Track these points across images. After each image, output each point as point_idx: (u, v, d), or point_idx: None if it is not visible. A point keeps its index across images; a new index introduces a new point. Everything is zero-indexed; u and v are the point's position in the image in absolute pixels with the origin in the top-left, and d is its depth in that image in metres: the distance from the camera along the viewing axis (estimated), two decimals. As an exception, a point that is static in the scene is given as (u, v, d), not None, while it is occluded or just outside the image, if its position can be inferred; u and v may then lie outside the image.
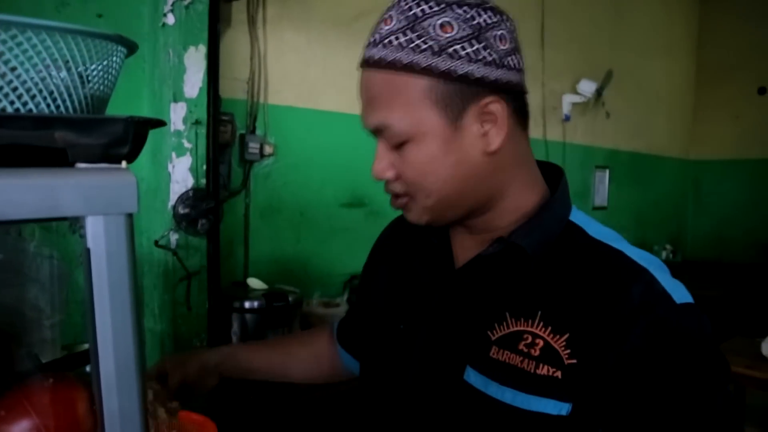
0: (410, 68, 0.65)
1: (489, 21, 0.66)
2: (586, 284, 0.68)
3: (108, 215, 0.38)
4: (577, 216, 0.77)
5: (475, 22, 0.65)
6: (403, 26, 0.65)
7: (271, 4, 2.78)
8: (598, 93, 4.41)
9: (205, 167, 2.26)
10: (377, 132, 0.70)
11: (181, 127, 2.18)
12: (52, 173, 0.37)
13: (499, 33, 0.67)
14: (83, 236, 0.39)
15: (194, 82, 2.21)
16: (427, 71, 0.65)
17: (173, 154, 2.19)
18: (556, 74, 4.37)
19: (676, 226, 5.97)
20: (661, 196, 5.72)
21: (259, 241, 2.84)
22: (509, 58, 0.69)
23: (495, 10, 0.68)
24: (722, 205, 5.85)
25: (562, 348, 0.65)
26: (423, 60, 0.64)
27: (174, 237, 2.22)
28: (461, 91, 0.66)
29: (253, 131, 2.76)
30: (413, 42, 0.64)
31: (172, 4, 2.16)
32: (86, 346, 1.34)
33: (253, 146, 2.72)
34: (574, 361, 0.65)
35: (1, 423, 0.36)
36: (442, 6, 0.65)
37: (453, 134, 0.67)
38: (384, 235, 1.00)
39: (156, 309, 2.12)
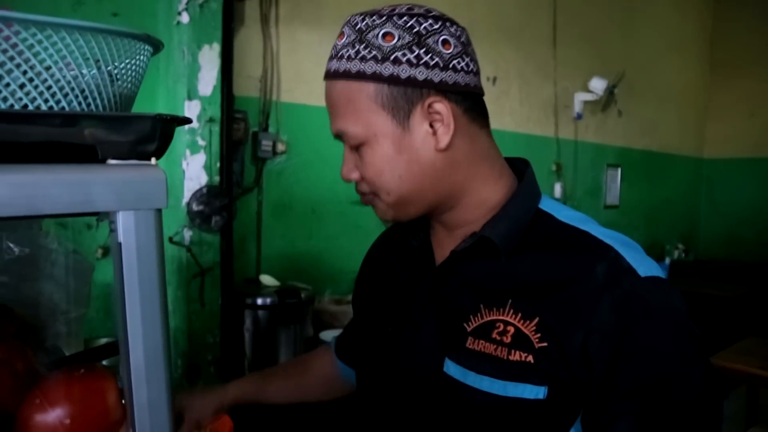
0: (359, 76, 0.71)
1: (430, 28, 0.71)
2: (552, 268, 0.71)
3: (138, 210, 0.39)
4: (547, 203, 0.79)
5: (415, 30, 0.70)
6: (353, 40, 0.72)
7: (283, 3, 2.79)
8: (610, 91, 4.38)
9: (218, 164, 2.28)
10: (339, 137, 0.76)
11: (195, 124, 2.19)
12: (85, 169, 0.38)
13: (441, 38, 0.71)
14: (114, 230, 0.40)
15: (208, 80, 2.23)
16: (374, 78, 0.70)
17: (187, 152, 2.21)
18: (568, 72, 4.35)
19: (688, 226, 5.93)
20: (673, 195, 5.68)
21: (272, 237, 2.85)
22: (455, 61, 0.72)
23: (437, 18, 0.72)
24: (735, 205, 5.80)
25: (532, 332, 0.68)
26: (369, 68, 0.70)
27: (188, 234, 2.24)
28: (406, 94, 0.71)
29: (265, 129, 2.77)
30: (360, 53, 0.71)
31: (187, 3, 2.18)
32: (103, 340, 1.36)
33: (266, 144, 2.74)
34: (545, 344, 0.67)
35: (38, 409, 0.37)
36: (384, 18, 0.71)
37: (403, 134, 0.72)
38: (373, 248, 1.03)
39: (170, 305, 2.14)
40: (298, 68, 2.89)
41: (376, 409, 0.86)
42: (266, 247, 2.84)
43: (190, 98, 2.20)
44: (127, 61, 0.46)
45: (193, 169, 2.23)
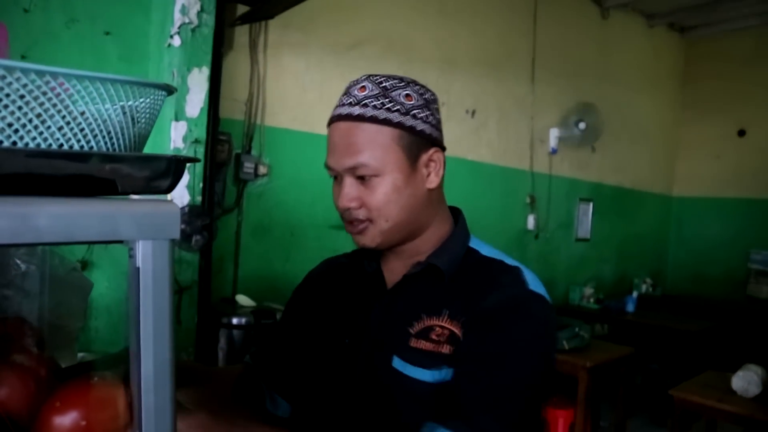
0: (386, 122, 0.88)
1: (431, 98, 0.94)
2: (476, 284, 0.91)
3: (156, 240, 0.45)
4: (474, 242, 1.00)
5: (424, 96, 0.92)
6: (377, 93, 0.89)
7: (272, 30, 2.87)
8: (584, 128, 4.54)
9: (201, 185, 2.32)
10: (352, 170, 0.89)
11: (180, 145, 2.24)
12: (113, 203, 0.44)
13: (436, 107, 0.95)
14: (133, 257, 0.45)
15: (196, 102, 2.29)
16: (398, 125, 0.88)
17: (171, 171, 2.25)
18: (544, 108, 4.51)
19: (656, 261, 6.09)
20: (643, 231, 5.85)
21: (249, 258, 2.89)
22: (440, 125, 0.96)
23: (432, 92, 0.95)
24: (702, 242, 5.99)
25: (458, 329, 0.87)
26: (395, 117, 0.88)
27: (167, 251, 2.25)
28: (418, 142, 0.90)
29: (248, 151, 2.83)
30: (386, 105, 0.88)
31: (179, 27, 2.25)
32: (79, 355, 1.37)
33: (248, 166, 2.79)
34: (459, 333, 0.87)
35: (57, 413, 0.42)
36: (403, 83, 0.91)
37: (410, 172, 0.90)
38: (315, 273, 1.16)
39: (146, 321, 2.16)
40: (284, 94, 2.96)
41: (332, 404, 0.98)
42: (244, 268, 2.87)
43: (177, 119, 2.25)
44: (146, 105, 0.52)
45: (176, 188, 2.27)
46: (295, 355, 1.07)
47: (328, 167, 0.92)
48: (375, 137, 0.87)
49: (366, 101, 0.88)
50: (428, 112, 0.92)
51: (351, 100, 0.90)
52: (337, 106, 0.93)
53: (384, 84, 0.90)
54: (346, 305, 1.02)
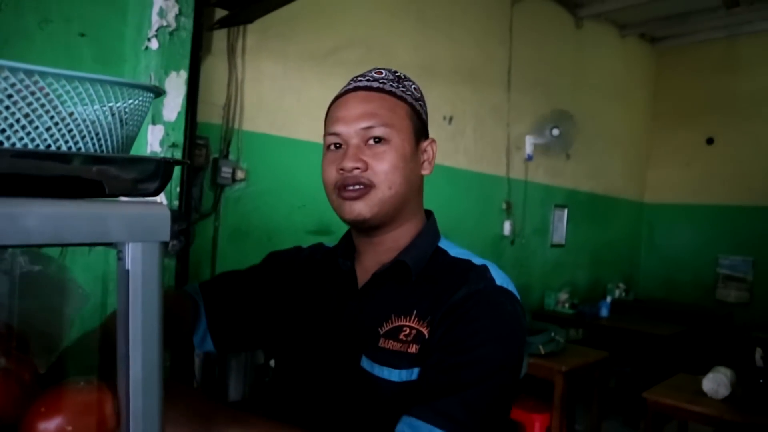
0: (402, 99, 0.96)
1: (424, 101, 1.03)
2: (444, 284, 0.91)
3: (146, 242, 0.44)
4: (444, 243, 1.02)
5: (423, 97, 1.03)
6: (392, 79, 0.99)
7: (250, 35, 2.86)
8: (558, 135, 4.60)
9: (178, 189, 2.29)
10: (366, 130, 0.92)
11: (157, 149, 2.22)
12: (103, 205, 0.43)
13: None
14: (122, 259, 0.45)
15: (173, 106, 2.26)
16: (410, 105, 0.97)
17: (148, 175, 2.22)
18: (520, 116, 4.56)
19: (629, 266, 6.19)
20: (616, 237, 5.94)
21: (226, 264, 2.86)
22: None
23: None
24: (672, 248, 6.11)
25: (425, 328, 0.88)
26: (408, 98, 0.98)
27: (143, 256, 2.21)
28: (421, 127, 0.99)
29: (226, 156, 2.81)
30: (400, 88, 0.98)
31: (157, 30, 2.22)
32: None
33: (226, 170, 2.77)
34: (426, 332, 0.87)
35: (42, 417, 0.42)
36: (411, 80, 1.02)
37: (414, 150, 0.96)
38: (302, 255, 1.17)
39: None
40: (262, 98, 2.95)
41: (305, 397, 0.99)
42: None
43: (154, 123, 2.22)
44: (134, 107, 0.52)
45: (152, 192, 2.24)
46: (248, 317, 1.08)
47: (332, 134, 0.94)
48: (393, 107, 0.95)
49: (383, 80, 0.97)
50: (425, 109, 1.02)
51: (369, 77, 0.98)
52: (349, 83, 0.99)
53: (398, 74, 1.00)
54: (319, 302, 1.03)
